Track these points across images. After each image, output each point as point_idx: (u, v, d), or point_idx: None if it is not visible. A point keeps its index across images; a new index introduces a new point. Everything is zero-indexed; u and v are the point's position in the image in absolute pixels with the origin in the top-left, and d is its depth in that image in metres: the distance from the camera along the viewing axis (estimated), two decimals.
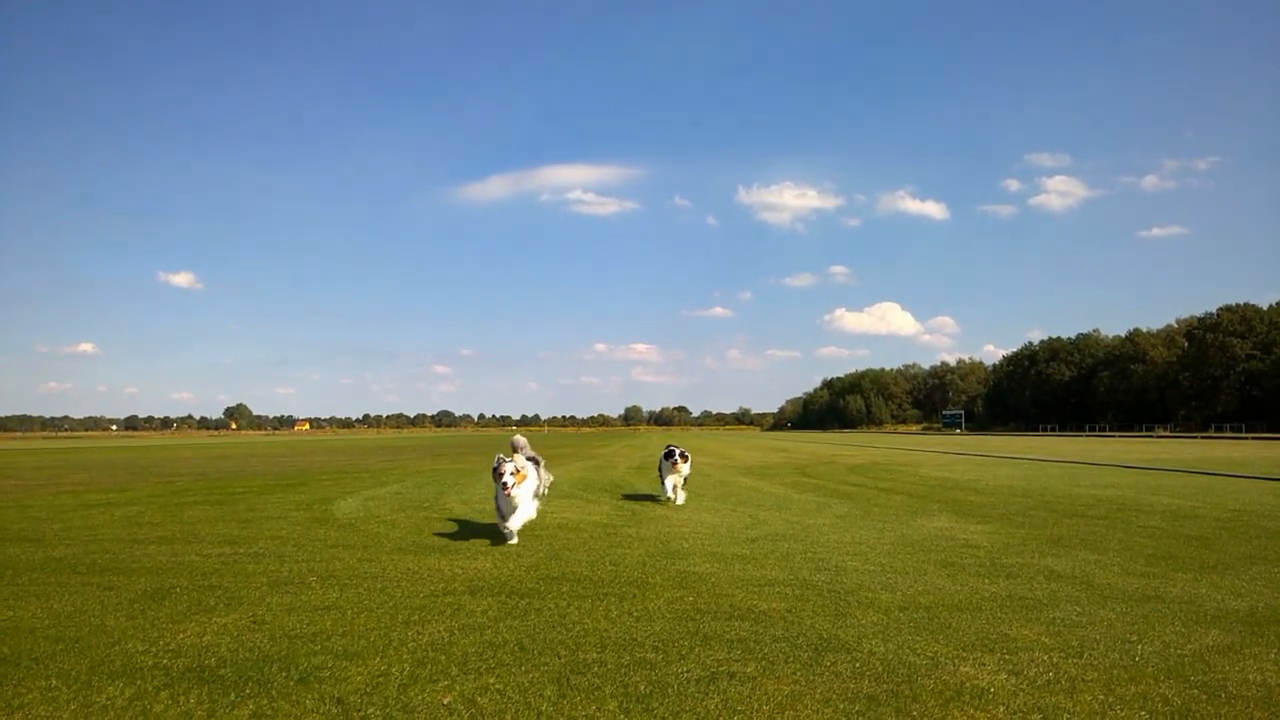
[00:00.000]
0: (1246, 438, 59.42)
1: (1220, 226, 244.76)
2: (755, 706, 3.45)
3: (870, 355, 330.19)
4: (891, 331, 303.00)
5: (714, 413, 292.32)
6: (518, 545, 7.70)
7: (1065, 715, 3.31)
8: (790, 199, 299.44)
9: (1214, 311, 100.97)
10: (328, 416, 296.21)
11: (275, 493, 13.77)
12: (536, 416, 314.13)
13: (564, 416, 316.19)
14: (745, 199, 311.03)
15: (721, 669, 3.95)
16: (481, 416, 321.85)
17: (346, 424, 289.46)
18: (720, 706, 3.48)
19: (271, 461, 26.98)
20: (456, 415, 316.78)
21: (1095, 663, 4.00)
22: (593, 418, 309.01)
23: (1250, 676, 3.76)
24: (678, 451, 11.07)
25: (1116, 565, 6.56)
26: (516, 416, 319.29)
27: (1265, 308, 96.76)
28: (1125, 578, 6.06)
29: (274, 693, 3.59)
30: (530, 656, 4.14)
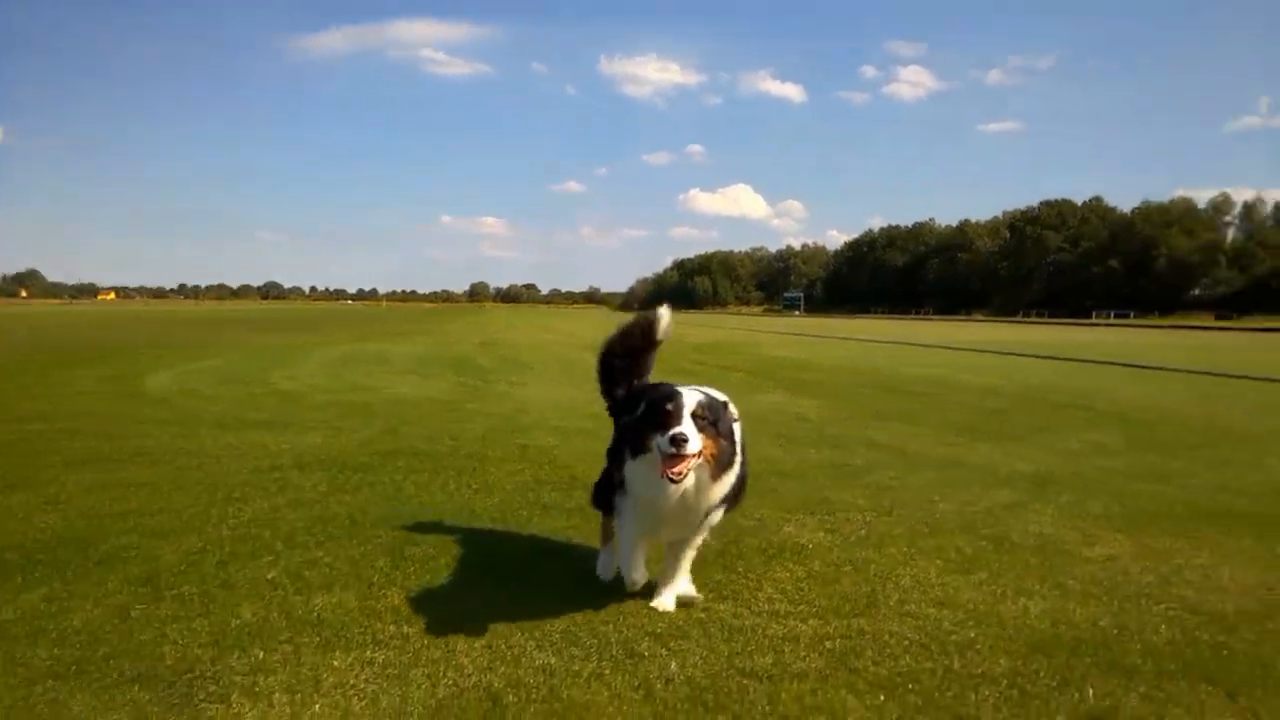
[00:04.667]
0: (1050, 322, 65.80)
1: (1053, 124, 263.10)
2: (594, 568, 3.52)
3: (721, 237, 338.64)
4: (743, 214, 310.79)
5: (564, 291, 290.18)
6: (349, 420, 7.42)
7: (872, 565, 3.59)
8: (653, 72, 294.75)
9: (1035, 205, 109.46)
10: (136, 286, 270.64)
11: (77, 367, 12.56)
12: (374, 291, 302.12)
13: (405, 291, 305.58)
14: (607, 69, 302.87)
15: (561, 536, 3.99)
16: (314, 289, 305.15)
17: (159, 294, 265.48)
18: (559, 569, 3.53)
19: (71, 333, 24.57)
20: (285, 287, 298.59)
21: (902, 520, 4.36)
22: (436, 293, 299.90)
23: (1030, 528, 4.22)
24: (689, 405, 2.74)
25: (928, 435, 7.14)
26: (352, 290, 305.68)
27: (1080, 203, 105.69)
28: (935, 446, 6.60)
29: (70, 575, 3.29)
30: (362, 530, 4.02)
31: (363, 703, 2.35)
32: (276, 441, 6.31)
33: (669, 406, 2.73)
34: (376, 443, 6.38)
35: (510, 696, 2.38)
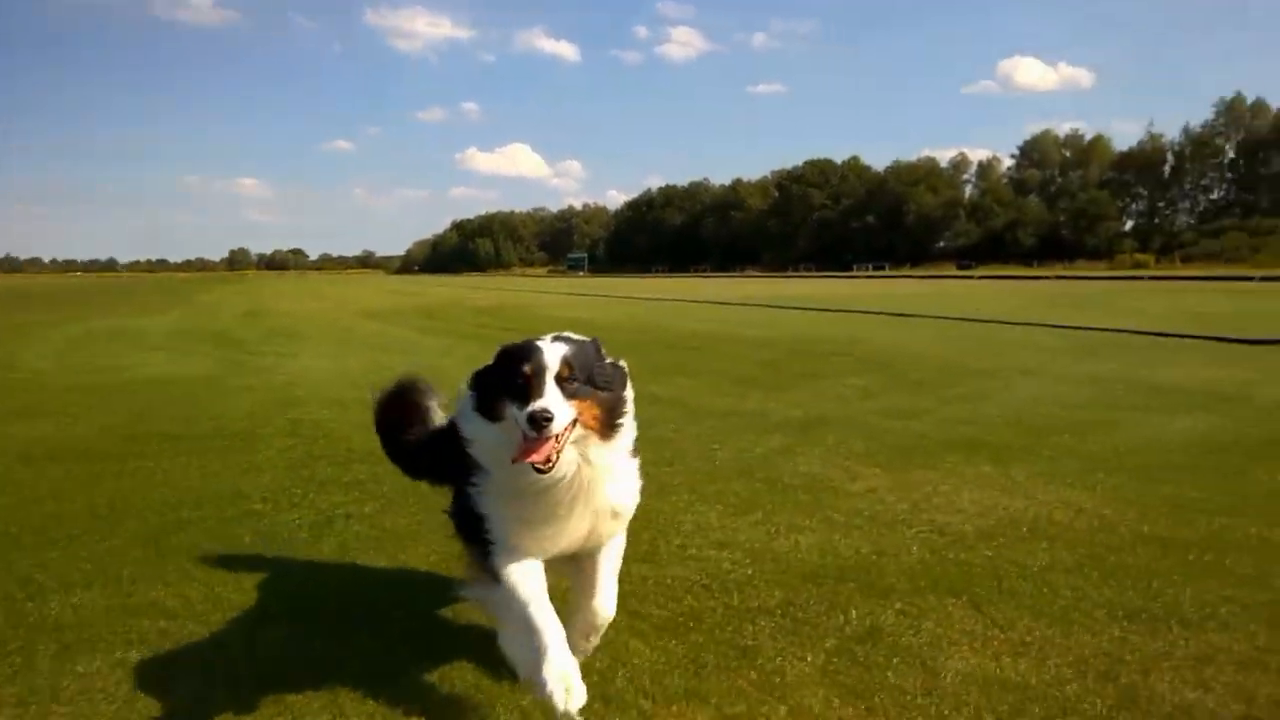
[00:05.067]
0: (816, 276, 70.90)
1: (814, 86, 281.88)
2: (374, 544, 3.39)
3: (500, 197, 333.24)
4: (521, 174, 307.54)
5: (335, 255, 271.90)
6: (89, 405, 6.59)
7: (659, 515, 3.74)
8: (423, 26, 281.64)
9: (800, 165, 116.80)
10: None
11: None
12: (112, 261, 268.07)
13: (152, 260, 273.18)
14: (374, 20, 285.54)
15: (338, 511, 3.80)
16: (37, 260, 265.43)
17: None
18: (337, 547, 3.37)
19: None
20: None
21: (685, 469, 4.58)
22: (190, 261, 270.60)
23: (800, 469, 4.57)
24: (552, 365, 2.00)
25: (707, 387, 7.49)
26: (84, 259, 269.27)
27: (839, 162, 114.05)
28: (713, 397, 6.95)
29: None
30: (110, 524, 3.61)
31: (114, 706, 2.15)
32: None
33: (525, 369, 1.97)
34: (124, 428, 5.72)
35: (288, 685, 2.25)
